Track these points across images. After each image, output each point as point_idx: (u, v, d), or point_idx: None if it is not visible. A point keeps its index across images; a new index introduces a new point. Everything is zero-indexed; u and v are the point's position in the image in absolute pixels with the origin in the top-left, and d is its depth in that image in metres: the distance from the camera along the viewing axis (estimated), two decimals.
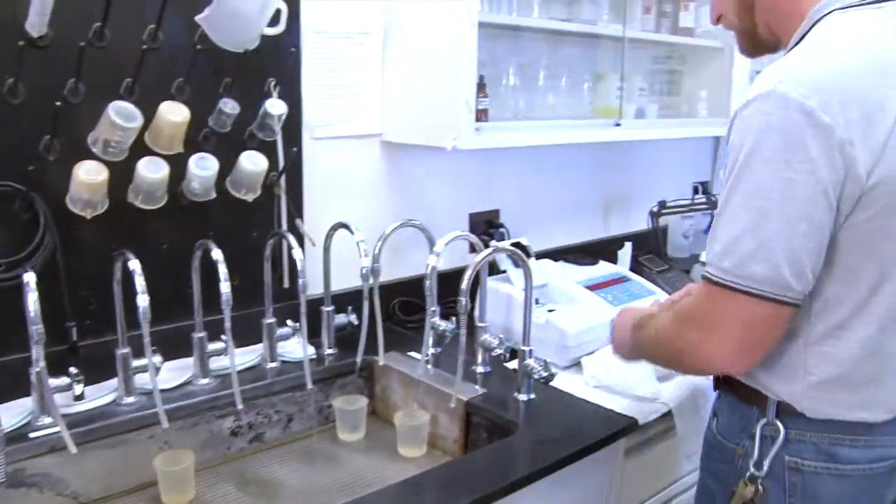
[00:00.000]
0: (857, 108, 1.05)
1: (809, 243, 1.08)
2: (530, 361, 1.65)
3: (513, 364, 1.76)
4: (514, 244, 1.96)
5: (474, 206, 2.36)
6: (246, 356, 1.85)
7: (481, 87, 1.96)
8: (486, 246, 1.95)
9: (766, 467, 1.22)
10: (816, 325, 1.16)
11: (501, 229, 2.33)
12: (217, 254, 1.57)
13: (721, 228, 1.12)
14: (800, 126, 1.04)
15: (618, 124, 2.28)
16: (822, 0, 1.17)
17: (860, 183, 1.07)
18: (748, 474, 1.24)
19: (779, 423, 1.21)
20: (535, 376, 1.64)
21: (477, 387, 1.76)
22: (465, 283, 1.52)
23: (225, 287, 1.55)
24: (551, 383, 1.69)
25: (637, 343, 1.40)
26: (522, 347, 1.67)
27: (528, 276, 1.60)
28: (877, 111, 1.07)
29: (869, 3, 1.16)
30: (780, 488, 1.23)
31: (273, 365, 1.85)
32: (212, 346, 1.74)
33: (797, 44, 1.17)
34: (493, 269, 2.06)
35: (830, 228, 1.09)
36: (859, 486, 1.21)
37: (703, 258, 1.23)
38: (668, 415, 1.67)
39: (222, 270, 1.55)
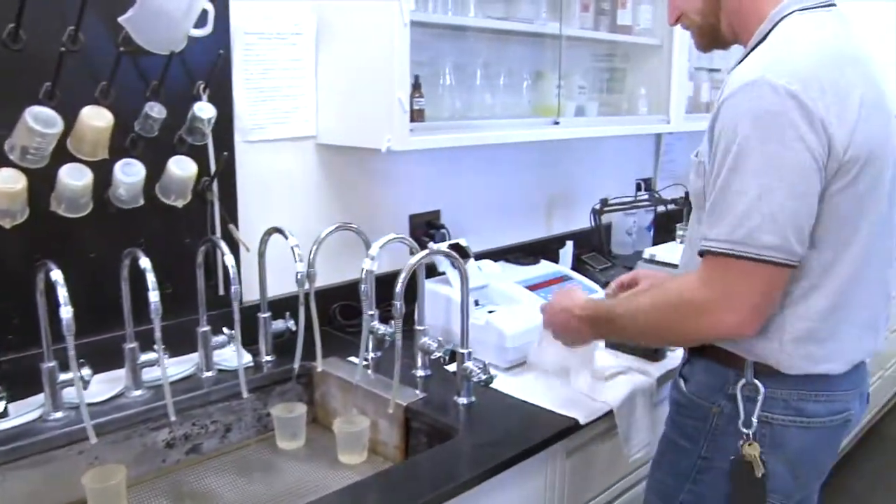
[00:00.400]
0: (832, 93, 1.19)
1: (807, 209, 1.21)
2: (469, 364, 1.63)
3: (453, 367, 1.73)
4: (452, 245, 1.94)
5: (415, 208, 2.34)
6: (181, 366, 1.80)
7: (417, 86, 1.94)
8: (424, 248, 1.94)
9: (755, 424, 1.34)
10: (793, 286, 1.28)
11: (442, 230, 2.31)
12: (145, 262, 1.52)
13: (726, 205, 1.22)
14: (789, 107, 1.17)
15: (556, 123, 2.27)
16: (781, 3, 1.31)
17: (838, 158, 1.20)
18: (749, 435, 1.35)
19: (758, 383, 1.34)
20: (475, 379, 1.62)
21: (417, 391, 1.74)
22: (398, 287, 1.50)
23: (153, 296, 1.50)
24: (492, 385, 1.67)
25: (604, 330, 1.52)
26: (461, 350, 1.64)
27: (463, 278, 1.58)
28: (846, 97, 1.21)
29: (821, 6, 1.31)
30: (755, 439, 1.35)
31: (209, 374, 1.80)
32: (144, 357, 1.69)
33: (761, 41, 1.30)
34: (433, 272, 2.04)
35: (818, 195, 1.22)
36: (819, 437, 1.37)
37: (701, 236, 1.30)
38: (609, 414, 1.66)
39: (150, 279, 1.51)
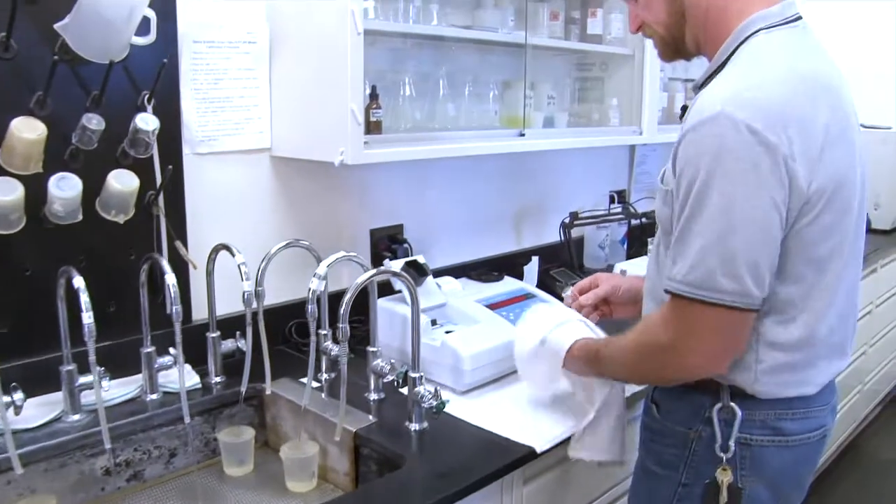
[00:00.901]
0: (795, 126, 1.16)
1: (767, 252, 1.19)
2: (420, 389, 1.56)
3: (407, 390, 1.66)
4: (409, 263, 1.88)
5: (376, 222, 2.26)
6: (124, 388, 1.72)
7: (374, 97, 1.87)
8: (384, 262, 1.88)
9: (732, 448, 1.33)
10: (767, 321, 1.27)
11: (405, 245, 2.24)
12: (79, 281, 1.45)
13: (686, 246, 1.21)
14: (751, 146, 1.14)
15: (522, 134, 2.21)
16: (747, 19, 1.27)
17: (802, 194, 1.18)
18: (723, 459, 1.34)
19: (734, 406, 1.33)
20: (425, 405, 1.54)
21: (370, 416, 1.66)
22: (342, 308, 1.42)
23: (86, 318, 1.43)
24: (447, 410, 1.60)
25: (597, 365, 1.49)
26: (412, 374, 1.57)
27: (413, 299, 1.51)
28: (810, 127, 1.18)
29: (787, 22, 1.27)
30: (733, 462, 1.35)
31: (154, 396, 1.73)
32: (83, 379, 1.61)
33: (727, 59, 1.27)
34: (389, 289, 1.97)
35: (780, 238, 1.20)
36: (799, 454, 1.36)
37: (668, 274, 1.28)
38: (565, 441, 1.59)
39: (84, 299, 1.44)
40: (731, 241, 1.16)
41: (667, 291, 1.26)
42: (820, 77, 1.25)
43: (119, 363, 1.71)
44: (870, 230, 3.81)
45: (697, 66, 1.44)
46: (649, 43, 2.57)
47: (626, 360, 1.40)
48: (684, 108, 2.78)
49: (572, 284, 1.78)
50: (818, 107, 1.21)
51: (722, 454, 1.34)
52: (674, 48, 1.42)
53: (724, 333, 1.24)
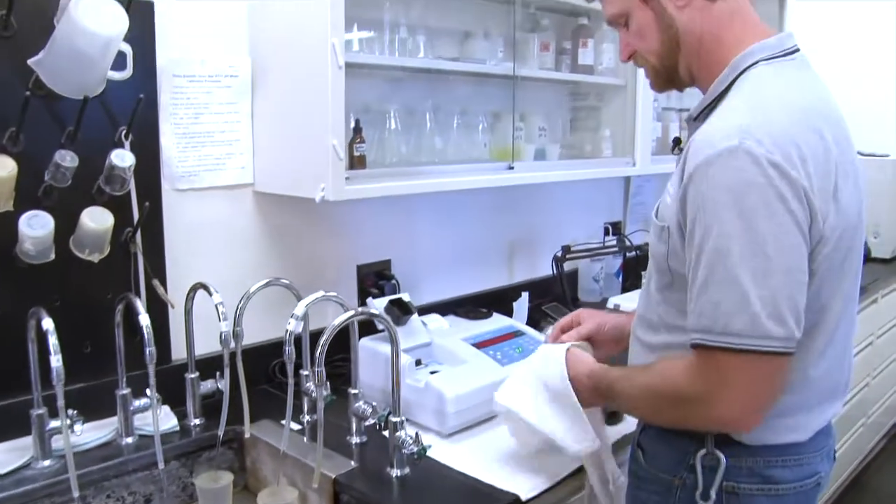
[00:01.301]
0: (811, 161, 1.11)
1: (803, 289, 1.13)
2: (401, 434, 1.51)
3: None
4: (392, 301, 1.84)
5: (363, 258, 2.22)
6: (99, 431, 1.67)
7: (358, 131, 1.84)
8: (368, 301, 1.83)
9: (713, 497, 1.26)
10: None
11: (393, 281, 2.19)
12: (47, 323, 1.41)
13: (717, 292, 1.12)
14: (775, 180, 1.08)
15: (511, 167, 2.17)
16: (745, 50, 1.23)
17: (819, 229, 1.13)
18: None
19: (719, 453, 1.26)
20: (406, 451, 1.49)
21: (351, 461, 1.60)
22: (318, 351, 1.37)
23: (55, 361, 1.39)
24: (430, 454, 1.54)
25: (608, 398, 1.41)
26: (392, 419, 1.52)
27: (393, 340, 1.46)
28: (823, 163, 1.13)
29: (784, 55, 1.24)
30: None
31: (129, 440, 1.67)
32: (54, 423, 1.56)
33: (725, 90, 1.23)
34: (376, 327, 1.92)
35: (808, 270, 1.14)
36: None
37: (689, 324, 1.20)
38: (553, 488, 1.53)
39: (52, 342, 1.40)
40: (770, 281, 1.10)
41: (698, 346, 1.17)
42: (823, 111, 1.21)
43: (94, 405, 1.66)
44: (869, 259, 3.76)
45: (691, 96, 1.40)
46: (642, 73, 2.56)
47: (645, 403, 1.33)
48: (677, 141, 2.74)
49: (553, 321, 1.71)
50: (827, 141, 1.16)
51: (702, 502, 1.28)
52: (666, 78, 1.37)
53: (765, 384, 1.15)
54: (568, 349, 1.49)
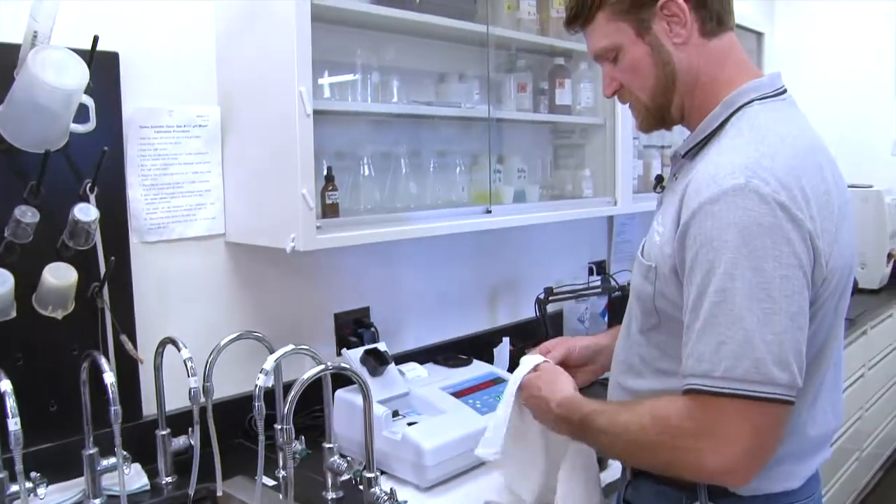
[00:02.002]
0: (815, 202, 1.10)
1: (805, 336, 1.09)
2: (376, 490, 1.46)
3: None
4: (367, 351, 1.80)
5: (341, 305, 2.18)
6: (64, 493, 1.62)
7: (330, 179, 1.81)
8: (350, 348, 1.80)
9: None
10: None
11: (371, 329, 2.15)
12: (5, 385, 1.37)
13: (718, 334, 1.07)
14: (781, 221, 1.06)
15: (488, 211, 2.14)
16: (739, 88, 1.22)
17: (822, 272, 1.11)
18: None
19: None
20: None
21: None
22: (287, 407, 1.33)
23: (12, 424, 1.35)
24: None
25: (582, 438, 1.33)
26: (367, 475, 1.47)
27: (365, 395, 1.41)
28: (826, 204, 1.12)
29: (776, 95, 1.23)
30: None
31: (96, 502, 1.62)
32: (15, 487, 1.50)
33: (716, 130, 1.21)
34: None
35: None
36: None
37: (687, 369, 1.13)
38: None
39: (10, 405, 1.36)
40: (775, 324, 1.05)
41: (693, 392, 1.11)
42: (820, 150, 1.21)
43: (60, 466, 1.62)
44: (857, 291, 3.74)
45: (677, 130, 1.38)
46: (620, 111, 2.57)
47: (627, 443, 1.22)
48: (659, 178, 2.72)
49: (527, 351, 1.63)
50: (827, 181, 1.15)
51: None
52: (656, 116, 1.32)
53: (763, 433, 1.09)
54: (544, 362, 1.45)
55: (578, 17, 1.30)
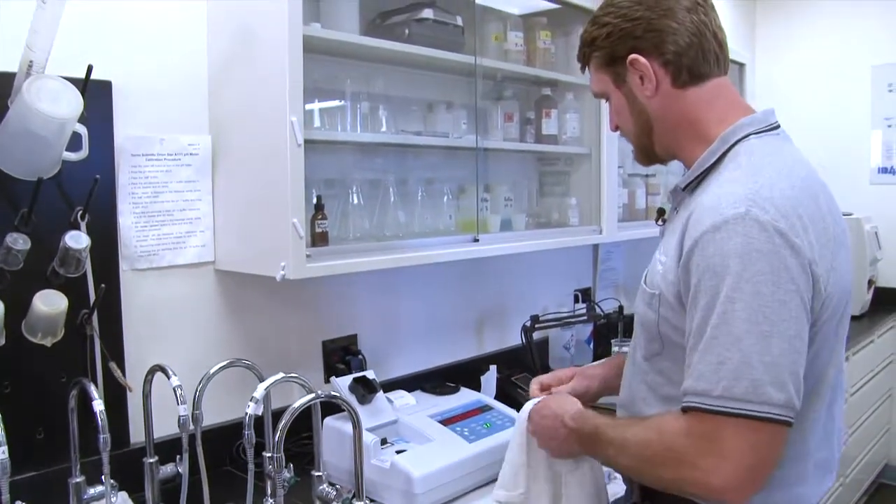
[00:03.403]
0: (812, 230, 1.14)
1: (803, 359, 1.13)
2: None
3: None
4: (356, 379, 1.80)
5: (328, 333, 2.19)
6: None
7: (319, 208, 1.83)
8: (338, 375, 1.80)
9: None
10: None
11: (359, 356, 2.16)
12: None
13: (719, 355, 1.11)
14: (780, 248, 1.10)
15: (476, 240, 2.16)
16: (734, 124, 1.27)
17: (821, 298, 1.15)
18: None
19: None
20: None
21: None
22: (277, 435, 1.33)
23: (0, 453, 1.33)
24: None
25: (592, 450, 1.36)
26: (356, 502, 1.47)
27: (355, 423, 1.42)
28: (822, 232, 1.17)
29: (770, 129, 1.28)
30: None
31: None
32: None
33: (715, 163, 1.26)
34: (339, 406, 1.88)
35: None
36: None
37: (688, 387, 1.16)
38: None
39: None
40: (773, 347, 1.09)
41: (693, 410, 1.14)
42: (816, 180, 1.25)
43: (46, 495, 1.61)
44: None
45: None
46: (605, 141, 2.61)
47: (636, 456, 1.25)
48: (661, 212, 2.74)
49: (524, 392, 1.65)
50: (823, 209, 1.20)
51: None
52: (645, 154, 1.42)
53: (762, 452, 1.12)
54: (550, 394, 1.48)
55: (580, 62, 1.43)
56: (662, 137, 1.35)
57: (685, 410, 1.16)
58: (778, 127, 1.30)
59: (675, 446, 1.17)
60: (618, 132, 1.45)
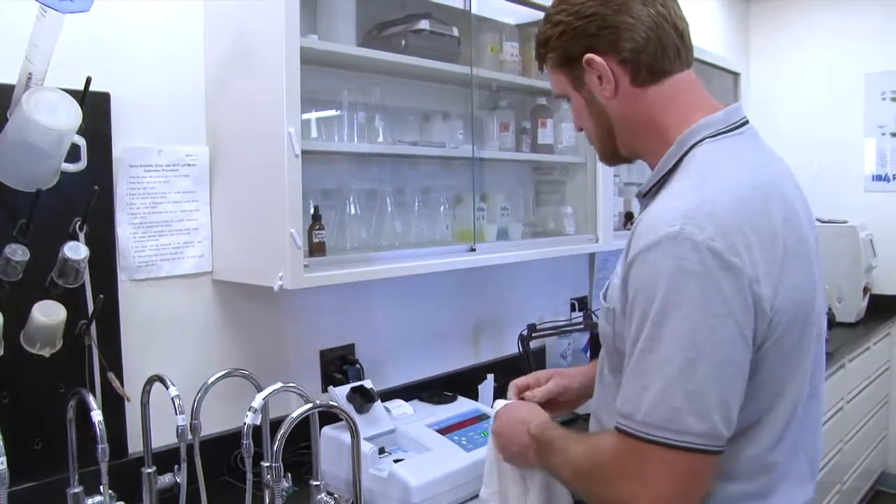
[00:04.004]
0: (757, 245, 1.08)
1: (735, 386, 1.08)
2: None
3: None
4: (354, 389, 1.81)
5: (326, 342, 2.20)
6: None
7: (317, 218, 1.84)
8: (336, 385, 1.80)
9: None
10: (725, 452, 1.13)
11: (357, 366, 2.17)
12: None
13: (644, 380, 1.09)
14: (713, 270, 1.05)
15: (472, 249, 2.17)
16: (690, 127, 1.20)
17: (766, 318, 1.09)
18: None
19: None
20: None
21: None
22: (276, 445, 1.34)
23: None
24: None
25: (544, 459, 1.35)
26: None
27: (354, 434, 1.43)
28: (770, 245, 1.11)
29: (731, 130, 1.21)
30: None
31: None
32: None
33: (672, 169, 1.20)
34: (336, 415, 1.89)
35: (748, 367, 1.10)
36: None
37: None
38: None
39: None
40: (697, 374, 1.05)
41: (618, 430, 1.12)
42: (773, 187, 1.18)
43: None
44: (834, 325, 3.80)
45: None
46: None
47: (572, 470, 1.26)
48: (629, 216, 2.77)
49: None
50: (774, 221, 1.13)
51: None
52: (608, 154, 1.36)
53: (683, 481, 1.08)
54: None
55: (538, 63, 1.37)
56: (625, 139, 1.29)
57: (616, 429, 1.13)
58: (743, 125, 1.24)
59: (603, 465, 1.16)
60: (582, 131, 1.39)
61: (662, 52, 1.23)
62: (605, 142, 1.33)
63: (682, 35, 1.25)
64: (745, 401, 1.12)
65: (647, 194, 1.27)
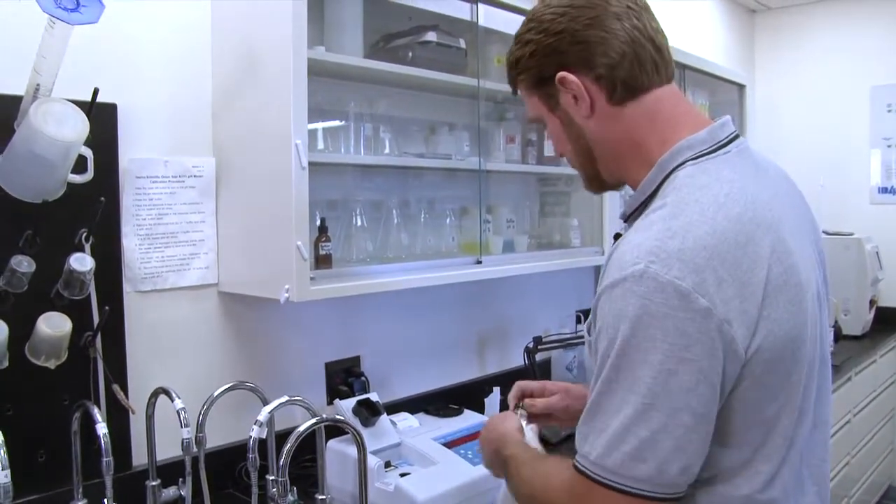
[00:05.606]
0: (731, 282, 1.01)
1: (695, 434, 1.02)
2: None
3: None
4: (360, 402, 1.80)
5: (331, 355, 2.19)
6: None
7: (323, 230, 1.83)
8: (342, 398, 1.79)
9: None
10: (707, 492, 1.10)
11: (362, 378, 2.16)
12: None
13: (600, 421, 1.04)
14: (677, 311, 0.99)
15: (479, 262, 2.16)
16: (671, 149, 1.13)
17: (740, 360, 1.03)
18: None
19: None
20: None
21: None
22: (283, 459, 1.33)
23: (2, 477, 1.31)
24: None
25: (507, 477, 1.31)
26: None
27: (360, 448, 1.42)
28: (749, 281, 1.03)
29: (716, 150, 1.13)
30: None
31: None
32: None
33: (652, 194, 1.13)
34: (342, 428, 1.88)
35: (715, 413, 1.04)
36: None
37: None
38: None
39: (0, 456, 1.33)
40: (652, 421, 1.00)
41: (574, 466, 1.08)
42: (758, 212, 1.08)
43: None
44: (840, 337, 3.79)
45: None
46: None
47: (525, 496, 1.24)
48: (618, 237, 2.75)
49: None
50: (756, 254, 1.05)
51: None
52: (592, 177, 1.28)
53: None
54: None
55: (511, 86, 1.30)
56: (607, 162, 1.22)
57: (574, 465, 1.09)
58: (730, 142, 1.16)
59: (554, 499, 1.14)
60: (563, 157, 1.32)
61: (640, 67, 1.16)
62: (586, 166, 1.25)
63: (660, 49, 1.18)
64: (731, 442, 1.08)
65: (629, 218, 1.21)
